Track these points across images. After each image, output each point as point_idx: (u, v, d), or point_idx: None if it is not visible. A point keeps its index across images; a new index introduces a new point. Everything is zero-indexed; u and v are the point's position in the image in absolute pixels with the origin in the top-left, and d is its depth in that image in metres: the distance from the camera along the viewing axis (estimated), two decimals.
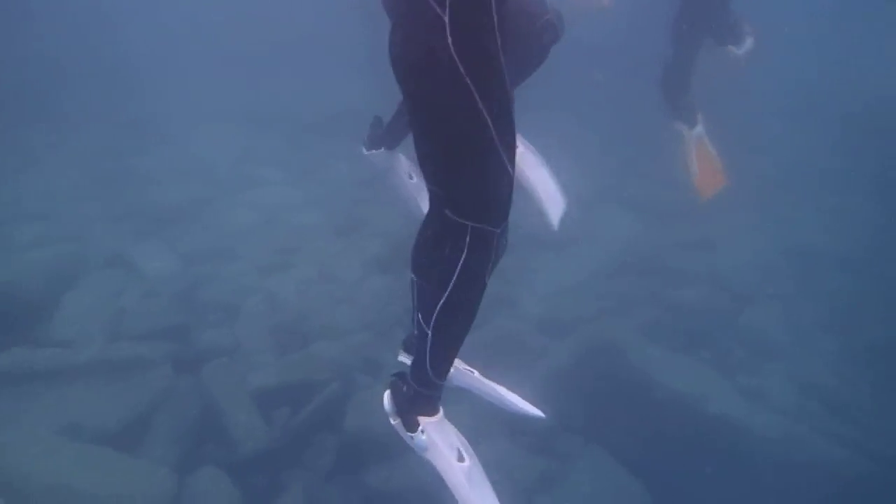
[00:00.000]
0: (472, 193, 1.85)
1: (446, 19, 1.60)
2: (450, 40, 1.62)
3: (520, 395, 2.54)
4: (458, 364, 2.36)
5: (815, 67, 6.92)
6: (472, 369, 2.45)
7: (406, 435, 2.19)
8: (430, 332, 2.04)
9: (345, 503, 4.12)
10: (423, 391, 2.16)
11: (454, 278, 1.93)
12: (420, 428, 2.17)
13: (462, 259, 1.90)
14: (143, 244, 5.76)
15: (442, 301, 1.97)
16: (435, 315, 2.00)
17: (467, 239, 1.88)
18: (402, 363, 2.26)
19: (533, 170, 3.60)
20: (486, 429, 4.54)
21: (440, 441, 2.18)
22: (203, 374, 4.55)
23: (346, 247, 5.76)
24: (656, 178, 6.12)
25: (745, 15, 3.91)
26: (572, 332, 4.89)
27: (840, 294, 5.15)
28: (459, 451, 2.22)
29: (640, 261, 5.50)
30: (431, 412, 2.19)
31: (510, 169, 1.81)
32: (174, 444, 4.17)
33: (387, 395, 2.22)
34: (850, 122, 6.40)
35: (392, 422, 2.20)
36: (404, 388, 2.19)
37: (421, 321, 2.06)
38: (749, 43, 3.87)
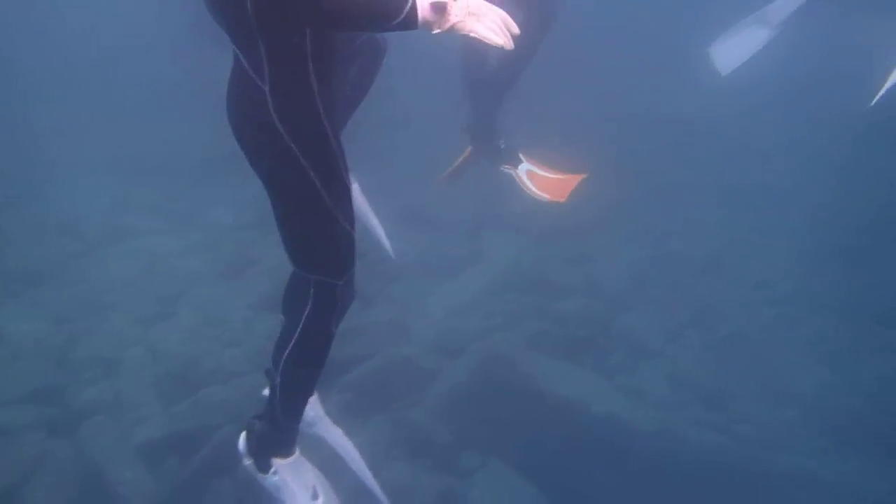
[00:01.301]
0: (308, 250, 1.96)
1: (267, 90, 1.72)
2: (272, 109, 1.74)
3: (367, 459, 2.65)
4: (324, 415, 2.41)
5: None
6: (336, 427, 2.50)
7: (258, 475, 2.23)
8: (279, 376, 2.12)
9: None
10: (275, 433, 2.21)
11: (300, 327, 2.03)
12: (273, 469, 2.21)
13: (307, 309, 2.00)
14: (8, 306, 5.40)
15: (290, 347, 2.06)
16: (284, 359, 2.09)
17: (311, 290, 1.98)
18: (264, 397, 2.31)
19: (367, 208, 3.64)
20: (386, 454, 4.59)
21: (292, 482, 2.22)
22: (81, 434, 4.32)
23: (232, 290, 5.66)
24: (531, 200, 6.45)
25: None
26: (463, 351, 5.03)
27: (701, 293, 5.62)
28: (315, 489, 2.26)
29: (524, 278, 5.77)
30: (285, 454, 2.23)
31: (345, 224, 1.91)
32: None
33: (242, 436, 2.27)
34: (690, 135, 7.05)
35: (245, 462, 2.25)
36: (259, 430, 2.24)
37: (272, 367, 2.15)
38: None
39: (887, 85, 4.38)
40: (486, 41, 1.65)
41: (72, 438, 4.30)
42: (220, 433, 4.33)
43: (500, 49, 1.68)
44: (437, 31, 1.64)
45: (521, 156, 4.07)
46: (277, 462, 2.22)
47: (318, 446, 2.51)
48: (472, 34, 1.66)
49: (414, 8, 1.59)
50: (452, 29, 1.64)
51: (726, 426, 4.59)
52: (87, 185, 7.14)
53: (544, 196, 3.95)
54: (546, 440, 4.61)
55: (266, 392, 2.30)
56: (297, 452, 2.27)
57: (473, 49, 3.42)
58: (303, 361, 2.10)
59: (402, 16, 1.58)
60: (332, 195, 1.85)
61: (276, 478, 2.22)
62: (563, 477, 4.49)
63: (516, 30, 1.70)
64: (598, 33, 7.42)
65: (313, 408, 2.45)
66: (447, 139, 4.53)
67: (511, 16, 1.69)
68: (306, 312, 2.01)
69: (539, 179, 4.04)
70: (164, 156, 7.48)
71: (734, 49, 5.11)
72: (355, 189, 2.96)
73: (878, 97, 4.48)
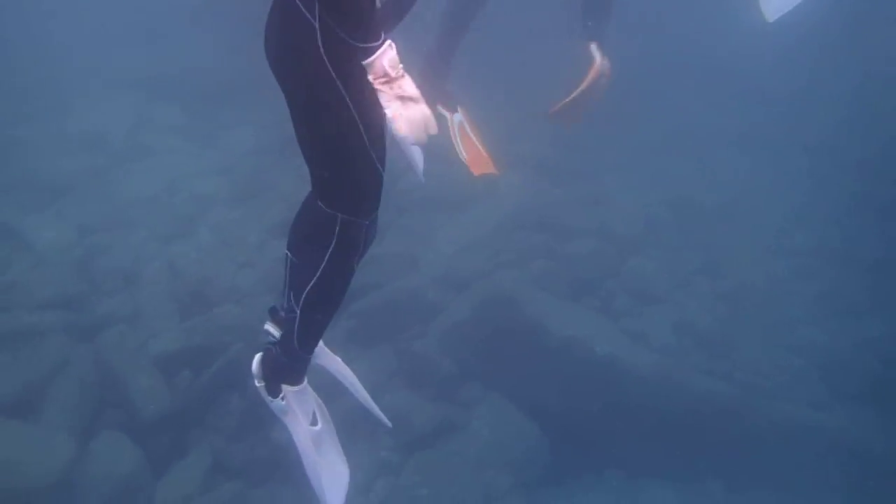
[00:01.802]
0: (341, 188, 1.95)
1: (317, 25, 1.70)
2: (320, 44, 1.72)
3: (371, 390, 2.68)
4: (324, 346, 2.47)
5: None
6: (335, 356, 2.55)
7: (267, 398, 2.32)
8: (298, 311, 2.14)
9: (251, 461, 4.20)
10: (289, 362, 2.28)
11: (323, 264, 2.03)
12: (281, 395, 2.30)
13: (331, 247, 2.00)
14: (33, 216, 5.55)
15: (311, 284, 2.07)
16: (304, 295, 2.10)
17: (337, 230, 1.98)
18: (268, 331, 2.35)
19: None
20: (388, 382, 4.74)
21: (297, 408, 2.32)
22: (101, 341, 4.50)
23: (248, 212, 5.74)
24: (548, 140, 6.39)
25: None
26: (470, 286, 5.09)
27: (714, 241, 5.56)
28: (314, 415, 2.37)
29: (535, 218, 5.75)
30: (295, 381, 2.31)
31: (378, 166, 1.91)
32: (73, 412, 4.14)
33: (257, 358, 2.34)
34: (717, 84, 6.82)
35: (256, 384, 2.33)
36: (274, 356, 2.31)
37: (292, 298, 2.16)
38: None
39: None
40: (397, 130, 1.74)
41: (92, 344, 4.48)
42: (231, 350, 4.50)
43: None
44: (374, 78, 1.72)
45: (458, 104, 3.98)
46: (286, 388, 2.30)
47: (319, 374, 2.61)
48: (389, 114, 1.74)
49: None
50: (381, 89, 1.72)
51: (728, 374, 4.63)
52: (112, 102, 7.20)
53: (463, 154, 3.87)
54: (547, 377, 4.69)
55: (268, 326, 2.35)
56: (305, 381, 2.35)
57: None
58: (324, 298, 2.12)
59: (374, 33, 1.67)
60: (370, 134, 1.84)
61: (283, 402, 2.30)
62: (562, 414, 4.60)
63: (434, 131, 1.77)
64: None
65: None
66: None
67: None
68: (330, 250, 2.01)
69: (466, 139, 3.97)
70: (189, 76, 7.47)
71: None
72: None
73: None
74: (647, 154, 6.17)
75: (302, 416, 2.34)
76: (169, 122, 7.07)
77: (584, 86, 3.34)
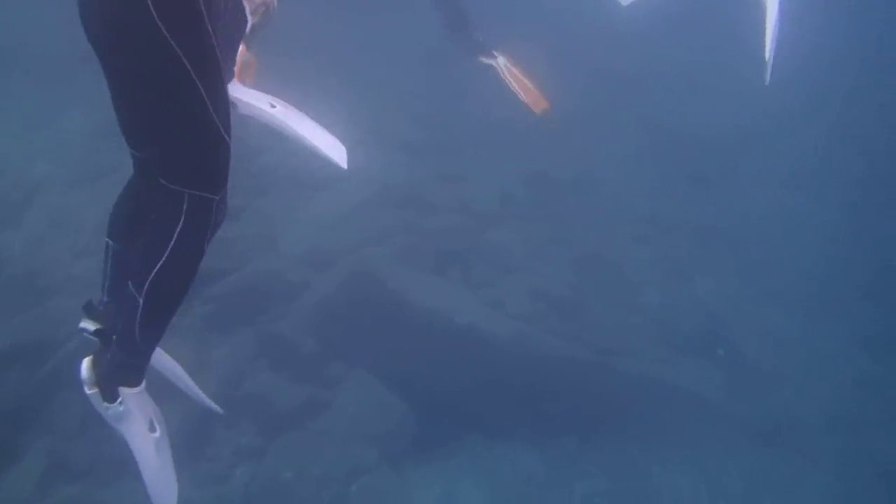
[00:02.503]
0: (186, 161, 1.81)
1: None
2: (150, 4, 1.57)
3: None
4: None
5: None
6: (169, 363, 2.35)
7: (101, 406, 2.08)
8: (141, 300, 1.96)
9: (94, 459, 3.92)
10: (128, 360, 2.07)
11: (171, 244, 1.88)
12: (119, 399, 2.07)
13: (179, 227, 1.86)
14: None
15: (156, 269, 1.91)
16: (148, 283, 1.94)
17: (184, 206, 1.84)
18: (84, 329, 2.15)
19: (300, 124, 3.56)
20: (250, 366, 4.58)
21: (137, 412, 2.10)
22: None
23: (86, 197, 5.31)
24: (411, 117, 6.42)
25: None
26: (332, 264, 5.02)
27: (566, 213, 5.86)
28: (152, 422, 2.16)
29: (397, 195, 5.77)
30: (134, 382, 2.09)
31: (225, 134, 1.80)
32: None
33: (86, 361, 2.09)
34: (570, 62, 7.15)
35: (87, 391, 2.07)
36: (108, 356, 2.08)
37: (131, 287, 1.98)
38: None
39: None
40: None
41: None
42: (68, 345, 4.16)
43: None
44: None
45: (495, 52, 4.08)
46: (125, 391, 2.06)
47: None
48: None
49: None
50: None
51: (578, 334, 4.90)
52: None
53: (522, 96, 3.94)
54: (410, 350, 4.74)
55: (85, 325, 2.13)
56: (144, 382, 2.12)
57: None
58: (173, 282, 1.95)
59: None
60: (213, 101, 1.73)
61: (121, 408, 2.06)
62: (426, 385, 4.66)
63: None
64: None
65: None
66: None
67: None
68: (178, 230, 1.85)
69: (518, 80, 4.03)
70: (13, 51, 6.76)
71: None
72: (281, 109, 2.75)
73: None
74: (504, 131, 6.36)
75: (142, 421, 2.11)
76: None
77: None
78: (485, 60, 4.08)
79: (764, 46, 3.78)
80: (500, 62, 4.04)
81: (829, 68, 7.12)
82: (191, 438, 4.10)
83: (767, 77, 3.95)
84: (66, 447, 3.92)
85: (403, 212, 5.63)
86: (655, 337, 5.12)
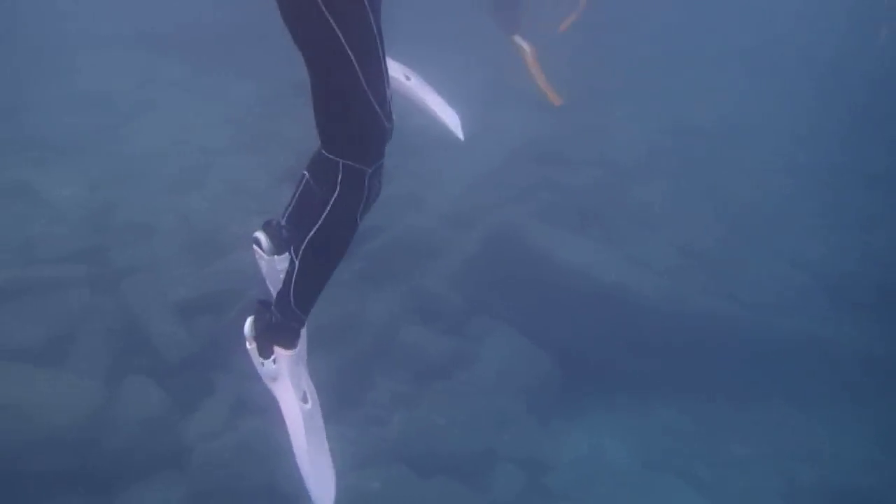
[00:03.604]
0: (339, 131, 1.89)
1: None
2: None
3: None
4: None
5: None
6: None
7: (257, 360, 2.19)
8: (297, 262, 2.04)
9: (272, 400, 4.37)
10: (283, 320, 2.15)
11: (325, 214, 1.95)
12: (273, 357, 2.17)
13: (334, 196, 1.93)
14: (47, 174, 5.66)
15: (312, 232, 1.98)
16: (303, 246, 2.01)
17: (339, 177, 1.91)
18: (257, 238, 2.27)
19: (429, 96, 3.76)
20: (401, 319, 4.87)
21: (289, 375, 2.18)
22: (122, 290, 4.65)
23: (256, 161, 5.81)
24: (547, 70, 6.32)
25: None
26: (477, 222, 5.17)
27: (715, 164, 5.56)
28: (305, 394, 2.22)
29: (538, 151, 5.77)
30: (289, 345, 2.17)
31: (378, 108, 1.85)
32: (98, 358, 4.28)
33: (250, 319, 2.23)
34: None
35: (248, 346, 2.20)
36: (268, 315, 2.19)
37: (291, 251, 2.08)
38: None
39: None
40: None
41: (114, 294, 4.62)
42: (248, 295, 4.61)
43: None
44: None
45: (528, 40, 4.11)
46: (279, 351, 2.17)
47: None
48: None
49: None
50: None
51: (733, 293, 4.70)
52: (115, 60, 7.22)
53: (540, 81, 3.98)
54: (554, 307, 4.81)
55: (258, 235, 2.27)
56: (299, 348, 2.21)
57: None
58: (324, 248, 2.02)
59: None
60: (367, 75, 1.81)
61: (274, 365, 2.17)
62: (570, 341, 4.72)
63: None
64: None
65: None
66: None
67: None
68: (334, 200, 1.93)
69: (538, 70, 4.06)
70: (189, 31, 7.45)
71: None
72: (415, 81, 2.93)
73: None
74: (646, 81, 6.12)
75: (294, 387, 2.19)
76: (172, 77, 7.09)
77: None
78: (518, 42, 4.01)
79: None
80: (528, 49, 3.95)
81: None
82: (353, 384, 4.47)
83: None
84: (249, 386, 4.40)
85: (544, 169, 5.64)
86: (820, 293, 4.76)
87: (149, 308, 4.57)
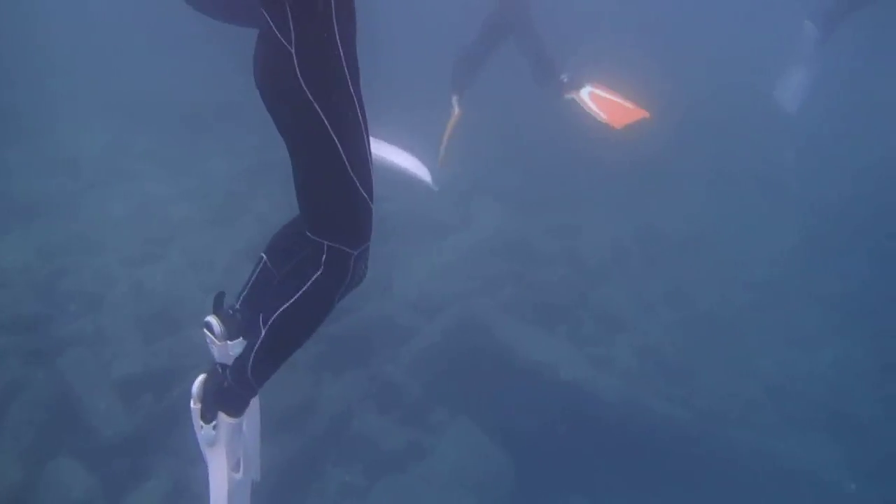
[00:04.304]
0: (323, 215, 1.91)
1: (293, 50, 1.72)
2: (297, 69, 1.73)
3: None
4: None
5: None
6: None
7: (198, 422, 2.17)
8: (264, 331, 2.01)
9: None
10: (235, 388, 2.12)
11: (305, 288, 1.94)
12: (214, 423, 2.14)
13: (317, 274, 1.92)
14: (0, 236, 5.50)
15: (286, 306, 1.96)
16: (274, 318, 1.98)
17: (324, 258, 1.91)
18: (209, 323, 2.25)
19: (393, 155, 3.93)
20: (358, 406, 4.72)
21: (227, 443, 2.15)
22: (60, 364, 4.42)
23: (219, 236, 5.74)
24: (525, 171, 6.54)
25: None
26: (442, 311, 5.13)
27: (678, 271, 5.70)
28: (239, 462, 2.19)
29: (507, 245, 5.84)
30: (235, 413, 2.14)
31: (363, 192, 1.87)
32: (24, 436, 4.04)
33: (201, 378, 2.20)
34: (690, 119, 7.06)
35: (192, 405, 2.17)
36: (219, 379, 2.16)
37: (259, 319, 2.04)
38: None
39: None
40: None
41: (51, 367, 4.39)
42: (196, 373, 4.43)
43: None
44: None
45: (584, 82, 4.32)
46: (223, 418, 2.14)
47: None
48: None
49: None
50: None
51: (687, 399, 4.72)
52: (88, 125, 7.18)
53: (601, 115, 4.10)
54: (514, 401, 4.74)
55: (210, 320, 2.24)
56: (243, 417, 2.18)
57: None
58: (295, 325, 2.01)
59: None
60: (352, 160, 1.83)
61: (213, 432, 2.14)
62: (527, 437, 4.63)
63: None
64: None
65: None
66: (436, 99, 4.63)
67: None
68: (315, 277, 1.93)
69: (602, 101, 4.18)
70: (166, 101, 7.50)
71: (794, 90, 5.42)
72: (379, 142, 2.97)
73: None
74: (616, 186, 6.33)
75: (228, 455, 2.16)
76: (144, 146, 7.08)
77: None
78: (567, 96, 4.29)
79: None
80: (583, 92, 4.20)
81: None
82: (301, 471, 4.27)
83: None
84: (189, 471, 4.15)
85: (512, 263, 5.69)
86: (770, 407, 4.83)
87: (86, 383, 4.36)
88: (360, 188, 1.88)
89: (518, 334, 4.96)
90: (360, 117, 1.84)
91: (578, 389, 4.65)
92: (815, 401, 4.79)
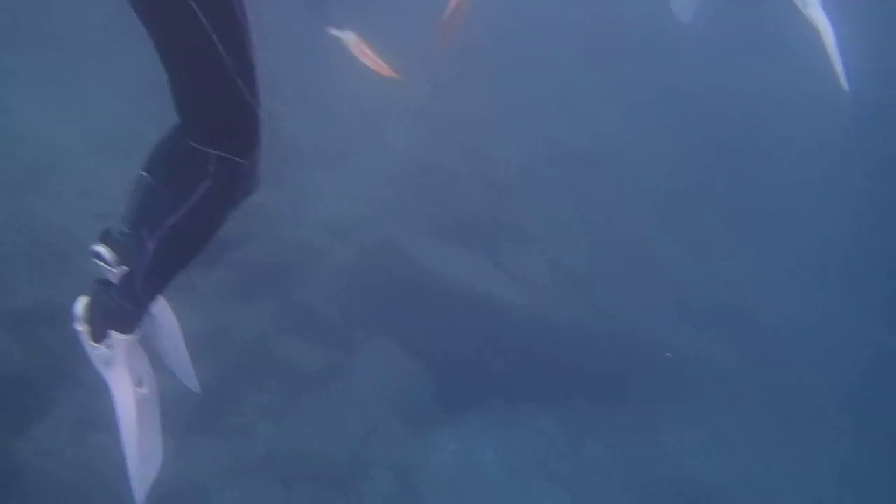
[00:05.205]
0: (206, 121, 1.77)
1: None
2: None
3: None
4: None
5: None
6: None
7: (88, 344, 2.03)
8: (153, 247, 1.91)
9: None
10: (125, 305, 2.00)
11: (194, 200, 1.83)
12: (108, 341, 2.02)
13: (205, 187, 1.81)
14: None
15: (176, 219, 1.85)
16: (165, 230, 1.88)
17: (210, 168, 1.79)
18: (99, 253, 2.05)
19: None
20: (273, 330, 4.67)
21: (124, 361, 2.04)
22: None
23: (109, 162, 5.35)
24: (429, 91, 6.43)
25: None
26: (356, 233, 5.09)
27: (586, 185, 5.87)
28: (141, 378, 2.09)
29: (419, 166, 5.80)
30: (127, 329, 2.03)
31: (248, 96, 1.74)
32: None
33: (83, 299, 2.05)
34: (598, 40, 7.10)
35: (77, 328, 2.03)
36: (106, 298, 2.01)
37: (145, 230, 1.91)
38: None
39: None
40: None
41: None
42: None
43: None
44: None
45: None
46: (115, 336, 2.00)
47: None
48: None
49: None
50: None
51: (595, 305, 4.97)
52: None
53: (370, 64, 4.01)
54: (429, 317, 4.82)
55: (98, 248, 2.03)
56: (137, 333, 2.05)
57: None
58: (187, 238, 1.89)
59: None
60: (235, 62, 1.68)
61: (108, 351, 2.01)
62: (445, 351, 4.76)
63: None
64: None
65: None
66: None
67: None
68: (205, 189, 1.80)
69: (363, 53, 4.08)
70: (42, 22, 6.80)
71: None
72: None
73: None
74: (524, 103, 6.36)
75: (129, 372, 2.03)
76: (18, 67, 6.42)
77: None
78: (335, 33, 4.14)
79: (830, 61, 3.81)
80: (349, 38, 4.09)
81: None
82: (216, 394, 4.19)
83: (844, 83, 3.99)
84: (97, 400, 4.01)
85: (426, 183, 5.67)
86: (673, 310, 5.17)
87: None
88: (246, 93, 1.75)
89: (431, 252, 5.02)
90: (242, 18, 1.70)
91: (492, 302, 4.81)
92: (714, 301, 5.14)
